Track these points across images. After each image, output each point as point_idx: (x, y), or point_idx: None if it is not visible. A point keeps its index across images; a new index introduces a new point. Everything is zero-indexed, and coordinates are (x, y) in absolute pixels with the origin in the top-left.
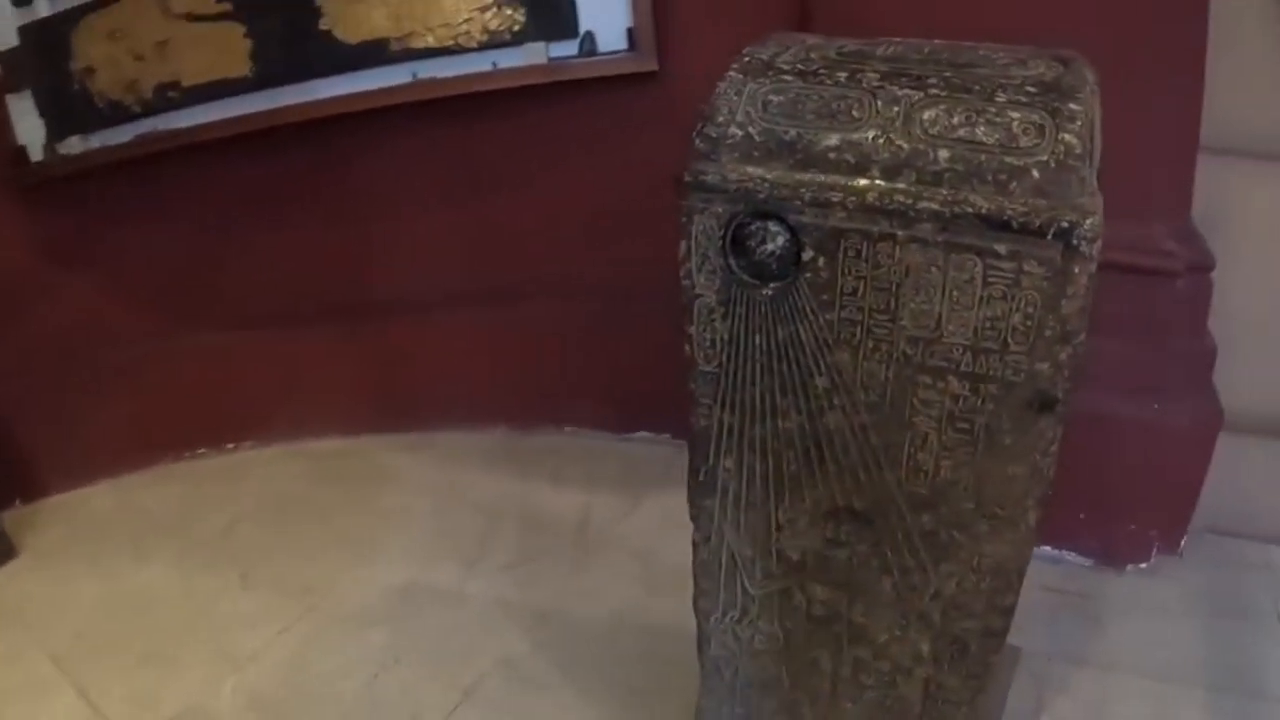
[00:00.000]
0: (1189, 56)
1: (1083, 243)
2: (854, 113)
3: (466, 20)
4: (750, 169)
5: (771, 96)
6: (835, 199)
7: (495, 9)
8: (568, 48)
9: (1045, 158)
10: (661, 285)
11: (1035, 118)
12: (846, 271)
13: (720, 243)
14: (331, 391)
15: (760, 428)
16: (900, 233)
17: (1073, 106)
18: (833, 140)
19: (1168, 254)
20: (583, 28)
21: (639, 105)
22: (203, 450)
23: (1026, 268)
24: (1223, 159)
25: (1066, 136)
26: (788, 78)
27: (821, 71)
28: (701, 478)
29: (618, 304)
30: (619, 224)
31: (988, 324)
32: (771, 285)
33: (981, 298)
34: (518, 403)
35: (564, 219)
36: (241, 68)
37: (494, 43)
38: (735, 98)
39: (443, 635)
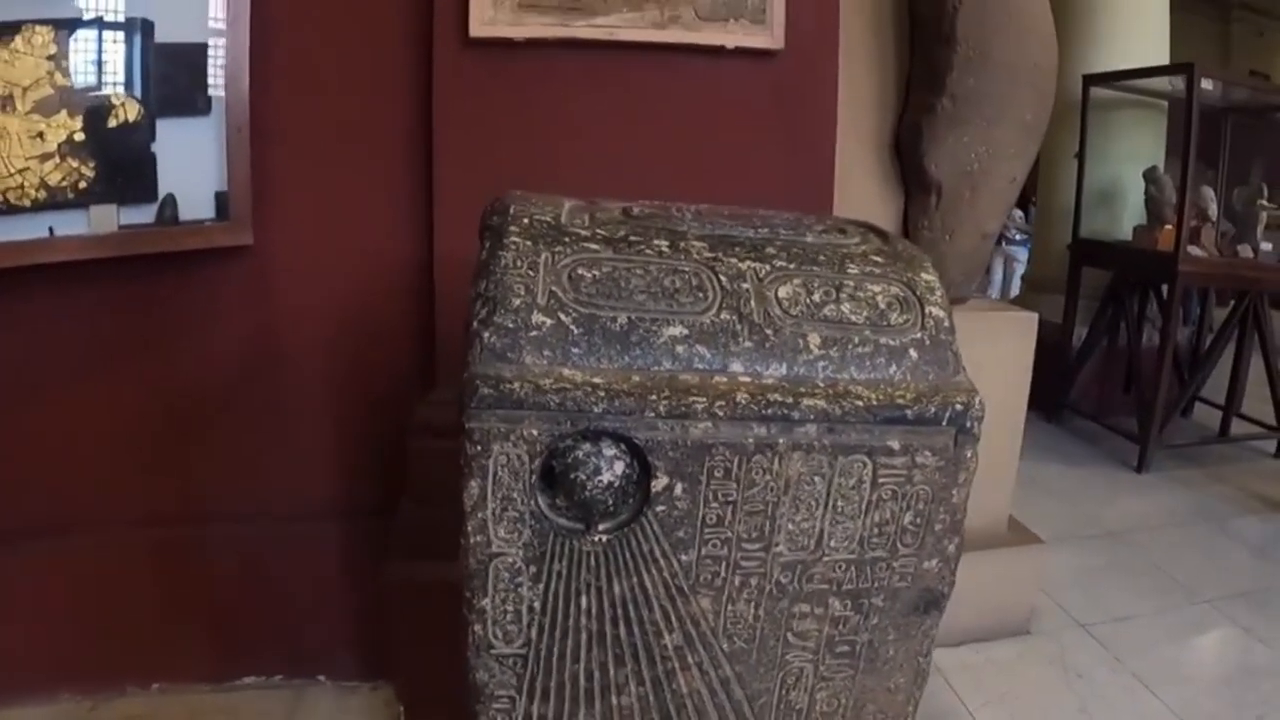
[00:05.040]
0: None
1: (975, 424)
2: (695, 291)
3: (22, 171)
4: (570, 372)
5: (581, 271)
6: (699, 406)
7: (58, 159)
8: (144, 213)
9: (919, 335)
10: (250, 500)
11: (896, 290)
12: (711, 498)
13: (530, 479)
14: None
15: (587, 713)
16: (781, 440)
17: (926, 277)
18: (677, 329)
19: None
20: (163, 190)
21: (228, 286)
22: None
23: (919, 460)
24: None
25: (933, 310)
26: (593, 246)
27: (633, 239)
28: None
29: (204, 528)
30: (201, 431)
31: (875, 530)
32: (604, 527)
33: (870, 502)
34: (89, 662)
35: (133, 427)
36: None
37: (53, 202)
38: (531, 272)
39: None
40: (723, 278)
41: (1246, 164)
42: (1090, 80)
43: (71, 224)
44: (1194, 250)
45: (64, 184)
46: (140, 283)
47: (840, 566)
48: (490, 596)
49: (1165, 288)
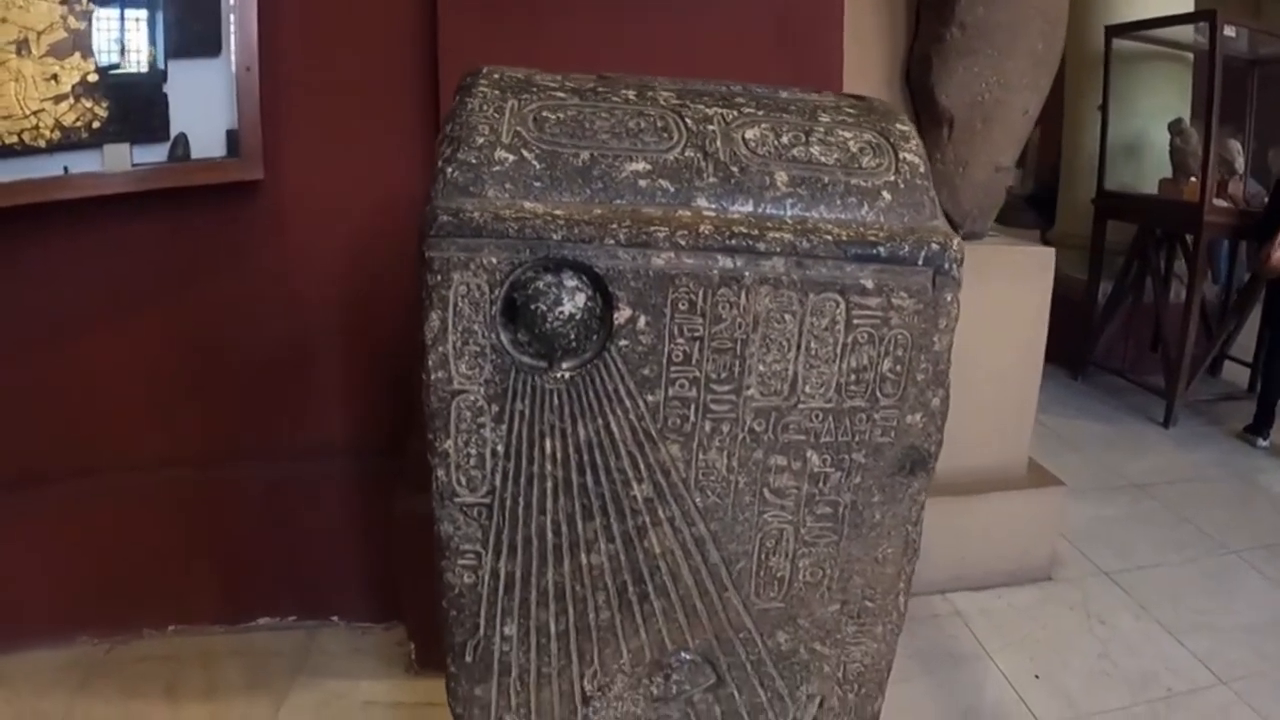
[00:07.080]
0: None
1: (954, 266)
2: (660, 131)
3: (37, 112)
4: (531, 204)
5: (546, 114)
6: (660, 235)
7: (72, 100)
8: (156, 152)
9: (892, 178)
10: (264, 440)
11: (869, 137)
12: (676, 333)
13: (491, 310)
14: None
15: (555, 572)
16: (747, 273)
17: (901, 127)
18: (639, 164)
19: None
20: (175, 129)
21: (240, 221)
22: None
23: (895, 301)
24: None
25: (908, 156)
26: (560, 94)
27: (601, 89)
28: (468, 658)
29: (218, 469)
30: (215, 371)
31: (853, 377)
32: (568, 365)
33: (845, 345)
34: (105, 604)
35: (148, 369)
36: None
37: (67, 142)
38: (496, 115)
39: None
40: (688, 120)
41: (1274, 118)
42: (1113, 31)
43: (85, 163)
44: (1220, 202)
45: (78, 124)
46: (155, 223)
47: (817, 416)
48: (453, 438)
49: (1191, 240)
